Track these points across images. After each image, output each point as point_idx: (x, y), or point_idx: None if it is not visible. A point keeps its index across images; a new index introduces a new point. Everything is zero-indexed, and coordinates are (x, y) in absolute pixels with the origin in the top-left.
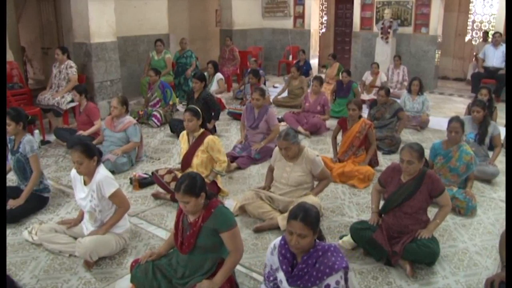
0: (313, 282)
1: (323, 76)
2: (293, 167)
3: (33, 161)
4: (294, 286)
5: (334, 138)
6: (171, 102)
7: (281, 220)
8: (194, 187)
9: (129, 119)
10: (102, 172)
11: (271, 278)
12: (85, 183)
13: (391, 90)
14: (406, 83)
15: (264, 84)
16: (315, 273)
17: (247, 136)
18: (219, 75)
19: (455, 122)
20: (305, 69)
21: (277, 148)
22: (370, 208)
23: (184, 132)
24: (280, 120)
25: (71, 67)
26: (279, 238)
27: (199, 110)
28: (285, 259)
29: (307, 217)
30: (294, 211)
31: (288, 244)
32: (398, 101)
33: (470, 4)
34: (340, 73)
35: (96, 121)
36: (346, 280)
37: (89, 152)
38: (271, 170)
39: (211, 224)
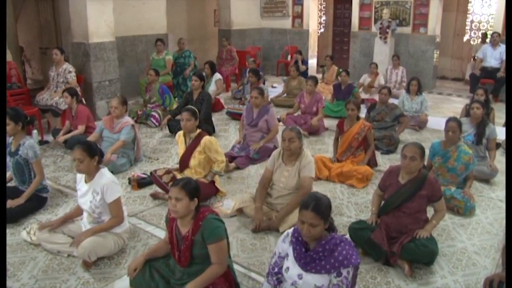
0: (327, 270)
1: (320, 77)
2: (290, 171)
3: (36, 165)
4: (305, 268)
5: (336, 141)
6: (168, 108)
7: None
8: (191, 187)
9: (127, 119)
10: (108, 175)
11: (276, 270)
12: (86, 181)
13: None
14: (404, 84)
15: (264, 83)
16: (333, 261)
17: (246, 136)
18: (217, 75)
19: (453, 122)
20: (304, 73)
21: (275, 152)
22: (368, 208)
23: (180, 133)
24: (278, 120)
25: (70, 72)
26: (292, 228)
27: (197, 110)
28: (298, 241)
29: (318, 206)
30: (305, 201)
31: (300, 233)
32: (397, 101)
33: (469, 4)
34: (339, 76)
35: (80, 126)
36: (355, 276)
37: (91, 151)
38: (263, 186)
39: (200, 236)
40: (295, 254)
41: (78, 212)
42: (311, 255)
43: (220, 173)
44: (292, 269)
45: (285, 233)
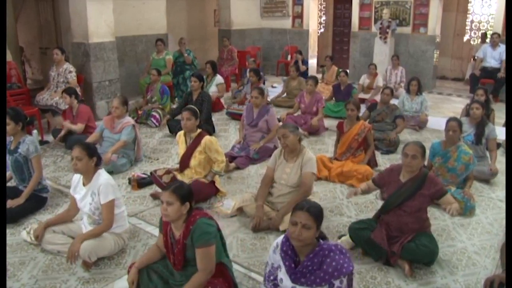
0: (318, 283)
1: (320, 77)
2: (292, 168)
3: (35, 161)
4: (297, 283)
5: (337, 143)
6: (163, 107)
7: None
8: (182, 192)
9: (127, 119)
10: (105, 176)
11: (271, 278)
12: (84, 184)
13: None
14: (403, 84)
15: (264, 83)
16: (322, 274)
17: (246, 136)
18: (219, 79)
19: (453, 121)
20: (304, 73)
21: (276, 151)
22: (368, 208)
23: (181, 133)
24: (278, 120)
25: (70, 72)
26: (282, 236)
27: (197, 110)
28: (287, 255)
29: (313, 208)
30: (300, 203)
31: (290, 238)
32: (397, 101)
33: (469, 4)
34: (338, 76)
35: (79, 123)
36: (350, 280)
37: (90, 151)
38: (266, 185)
39: (190, 240)
40: (285, 269)
41: (67, 217)
42: (301, 270)
43: (220, 173)
44: (285, 281)
45: (275, 243)
